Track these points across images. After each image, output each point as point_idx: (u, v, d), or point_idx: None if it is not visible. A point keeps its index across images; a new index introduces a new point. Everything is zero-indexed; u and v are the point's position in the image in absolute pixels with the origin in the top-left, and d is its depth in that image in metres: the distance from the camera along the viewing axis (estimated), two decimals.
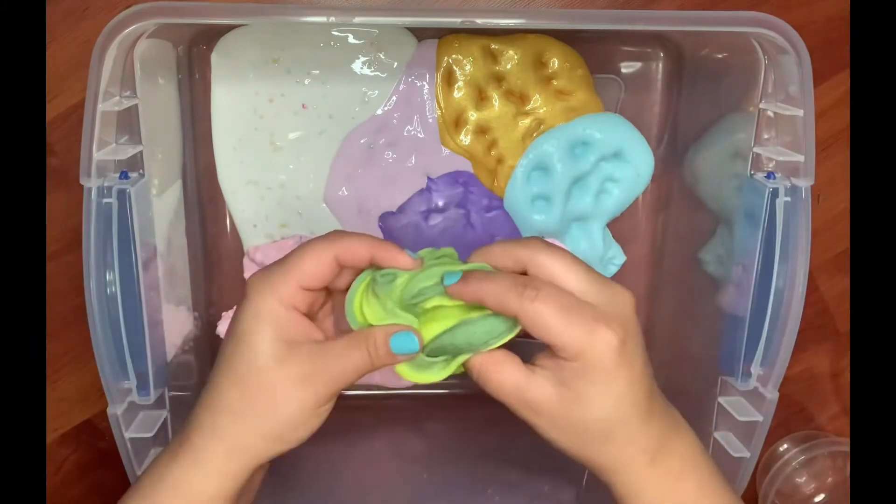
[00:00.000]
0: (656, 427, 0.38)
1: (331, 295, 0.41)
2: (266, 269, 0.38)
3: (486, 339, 0.37)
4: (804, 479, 0.62)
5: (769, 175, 0.44)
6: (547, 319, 0.35)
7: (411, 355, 0.37)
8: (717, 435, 0.49)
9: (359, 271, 0.39)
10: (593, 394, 0.36)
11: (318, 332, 0.38)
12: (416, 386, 0.57)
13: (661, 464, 0.38)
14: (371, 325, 0.38)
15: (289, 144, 0.52)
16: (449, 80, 0.51)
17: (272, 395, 0.36)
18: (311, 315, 0.39)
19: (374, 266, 0.39)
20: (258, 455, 0.37)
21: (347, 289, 0.39)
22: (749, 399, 0.47)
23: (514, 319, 0.37)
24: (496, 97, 0.51)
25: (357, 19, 0.41)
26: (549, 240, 0.50)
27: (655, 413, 0.38)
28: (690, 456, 0.39)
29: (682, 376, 0.55)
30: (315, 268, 0.37)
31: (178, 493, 0.37)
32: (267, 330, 0.36)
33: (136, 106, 0.43)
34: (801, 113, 0.42)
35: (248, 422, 0.37)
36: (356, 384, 0.57)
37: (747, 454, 0.46)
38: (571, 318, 0.35)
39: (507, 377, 0.37)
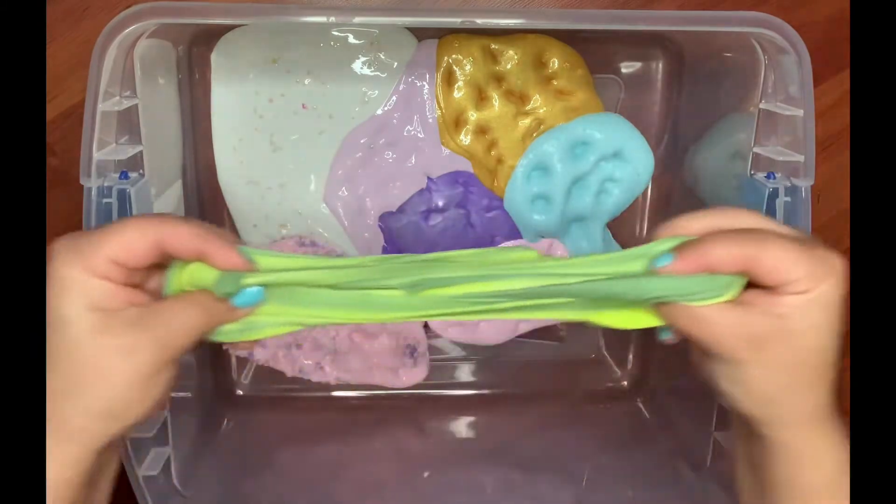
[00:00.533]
0: (836, 386, 0.37)
1: (160, 271, 0.36)
2: (74, 235, 0.34)
3: (698, 291, 0.35)
4: None
5: (769, 175, 0.44)
6: (787, 256, 0.34)
7: (255, 305, 0.35)
8: (717, 435, 0.49)
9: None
10: (823, 320, 0.35)
11: (141, 297, 0.34)
12: (417, 386, 0.57)
13: (837, 427, 0.37)
14: None
15: (289, 144, 0.52)
16: (449, 80, 0.51)
17: (95, 369, 0.32)
18: (132, 286, 0.35)
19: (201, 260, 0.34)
20: (93, 437, 0.33)
21: None
22: None
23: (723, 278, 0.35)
24: (496, 97, 0.51)
25: (357, 19, 0.41)
26: (548, 240, 0.50)
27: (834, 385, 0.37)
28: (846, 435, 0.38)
29: (682, 376, 0.55)
30: (129, 244, 0.33)
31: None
32: (76, 300, 0.32)
33: (136, 106, 0.43)
34: (801, 113, 0.42)
35: (76, 402, 0.33)
36: (356, 385, 0.57)
37: None
38: (808, 254, 0.34)
39: (726, 316, 0.35)
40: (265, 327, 0.36)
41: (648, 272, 0.35)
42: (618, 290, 0.35)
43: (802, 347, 0.35)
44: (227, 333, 0.36)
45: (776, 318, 0.35)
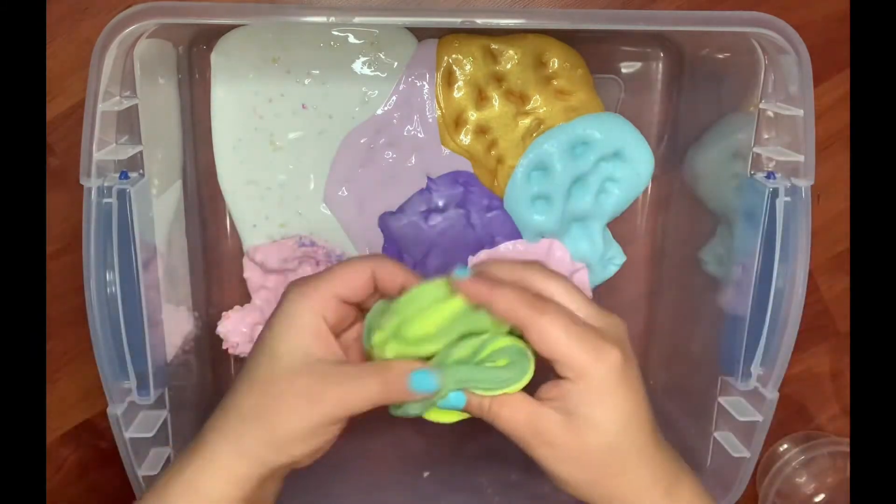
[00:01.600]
0: (666, 458, 0.38)
1: (360, 318, 0.41)
2: (305, 277, 0.39)
3: (501, 385, 0.37)
4: (804, 479, 0.62)
5: (769, 175, 0.44)
6: (555, 334, 0.35)
7: (428, 394, 0.37)
8: (717, 435, 0.49)
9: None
10: (603, 416, 0.36)
11: (341, 353, 0.38)
12: None
13: (676, 498, 0.38)
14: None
15: (289, 144, 0.52)
16: (449, 79, 0.51)
17: (280, 403, 0.36)
18: (337, 332, 0.39)
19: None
20: (263, 463, 0.37)
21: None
22: (749, 399, 0.47)
23: (523, 367, 0.37)
24: (496, 97, 0.51)
25: (357, 19, 0.41)
26: (549, 240, 0.50)
27: (662, 444, 0.38)
28: (699, 493, 0.39)
29: (682, 376, 0.56)
30: (353, 278, 0.38)
31: (186, 493, 0.36)
32: (293, 340, 0.37)
33: (136, 106, 0.43)
34: (801, 113, 0.42)
35: (255, 427, 0.37)
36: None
37: (747, 454, 0.46)
38: (579, 336, 0.35)
39: (518, 410, 0.37)
40: (437, 415, 0.39)
41: (446, 284, 0.37)
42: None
43: (589, 446, 0.36)
44: (407, 409, 0.38)
45: (562, 413, 0.36)
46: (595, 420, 0.36)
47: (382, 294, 0.40)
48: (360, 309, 0.40)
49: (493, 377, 0.37)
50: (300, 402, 0.36)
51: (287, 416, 0.36)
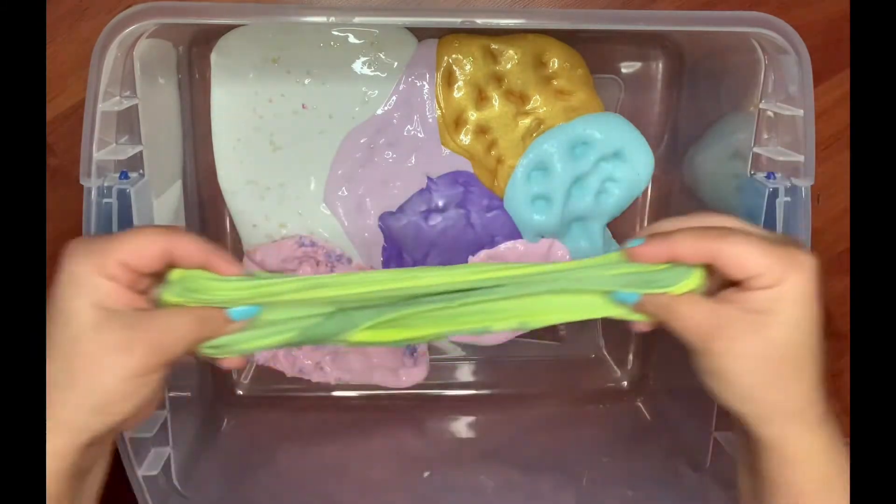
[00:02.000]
0: (823, 386, 0.37)
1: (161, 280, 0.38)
2: (88, 237, 0.36)
3: (666, 286, 0.37)
4: None
5: (769, 175, 0.44)
6: (748, 250, 0.35)
7: (249, 319, 0.36)
8: (717, 435, 0.49)
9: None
10: (795, 315, 0.35)
11: (143, 303, 0.36)
12: (417, 386, 0.57)
13: (827, 425, 0.37)
14: None
15: (289, 144, 0.52)
16: (449, 79, 0.51)
17: (91, 363, 0.34)
18: (137, 291, 0.37)
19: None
20: (83, 430, 0.35)
21: None
22: None
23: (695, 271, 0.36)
24: (496, 97, 0.51)
25: (357, 19, 0.41)
26: (549, 240, 0.50)
27: (822, 377, 0.37)
28: (840, 435, 0.38)
29: (682, 376, 0.55)
30: (140, 249, 0.35)
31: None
32: (82, 296, 0.34)
33: (136, 106, 0.43)
34: (801, 113, 0.42)
35: (70, 394, 0.34)
36: (356, 385, 0.57)
37: None
38: (772, 248, 0.35)
39: (698, 305, 0.36)
40: (251, 340, 0.38)
41: (619, 255, 0.37)
42: (588, 276, 0.37)
43: (774, 341, 0.35)
44: (216, 348, 0.38)
45: (747, 311, 0.35)
46: (786, 318, 0.35)
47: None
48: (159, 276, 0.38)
49: (651, 280, 0.37)
50: (111, 356, 0.34)
51: (100, 374, 0.34)
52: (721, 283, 0.37)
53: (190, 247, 0.36)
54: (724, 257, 0.35)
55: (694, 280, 0.37)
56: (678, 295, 0.37)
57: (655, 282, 0.37)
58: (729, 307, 0.36)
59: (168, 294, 0.36)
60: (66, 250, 0.35)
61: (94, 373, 0.34)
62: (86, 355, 0.34)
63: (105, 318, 0.34)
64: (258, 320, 0.37)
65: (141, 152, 0.43)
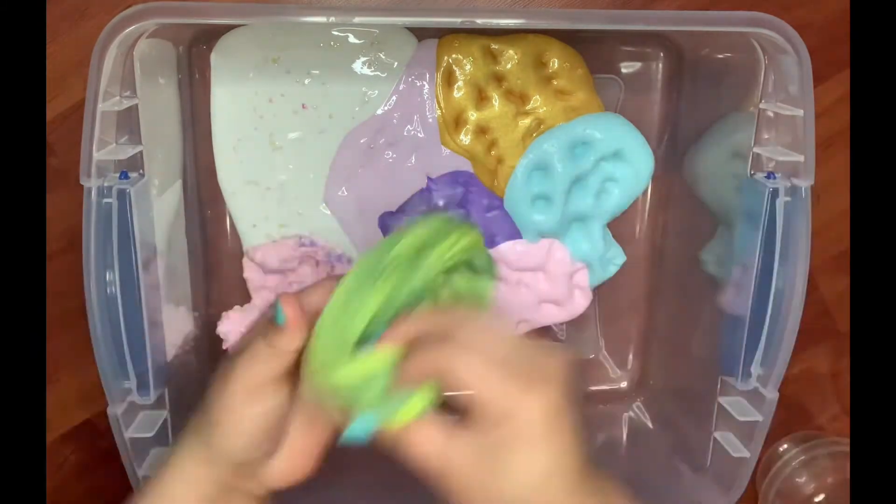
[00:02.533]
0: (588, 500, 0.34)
1: None
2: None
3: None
4: (804, 479, 0.62)
5: (769, 175, 0.44)
6: (476, 371, 0.32)
7: (293, 320, 0.37)
8: (717, 435, 0.49)
9: None
10: (522, 468, 0.32)
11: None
12: None
13: None
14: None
15: (289, 144, 0.52)
16: (449, 79, 0.51)
17: (222, 404, 0.39)
18: None
19: None
20: (223, 464, 0.39)
21: None
22: (749, 399, 0.47)
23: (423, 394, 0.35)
24: (496, 97, 0.51)
25: (357, 19, 0.41)
26: (549, 240, 0.50)
27: (586, 487, 0.34)
28: None
29: (682, 376, 0.56)
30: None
31: (155, 498, 0.39)
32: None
33: (136, 106, 0.43)
34: (801, 113, 0.42)
35: (209, 433, 0.39)
36: None
37: (747, 454, 0.46)
38: (501, 377, 0.32)
39: (430, 440, 0.34)
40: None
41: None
42: None
43: (502, 491, 0.33)
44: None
45: (480, 453, 0.33)
46: (513, 471, 0.32)
47: None
48: None
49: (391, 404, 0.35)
50: (228, 398, 0.38)
51: (222, 416, 0.38)
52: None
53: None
54: (450, 375, 0.33)
55: (421, 401, 0.35)
56: (411, 423, 0.35)
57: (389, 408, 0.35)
58: (462, 449, 0.33)
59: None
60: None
61: (222, 415, 0.38)
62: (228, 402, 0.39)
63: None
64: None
65: (141, 152, 0.43)
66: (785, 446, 0.60)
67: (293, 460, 0.40)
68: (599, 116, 0.52)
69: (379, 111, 0.52)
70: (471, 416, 0.34)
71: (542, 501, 0.33)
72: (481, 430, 0.33)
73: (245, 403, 0.38)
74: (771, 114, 0.44)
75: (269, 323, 0.38)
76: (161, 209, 0.46)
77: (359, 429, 0.36)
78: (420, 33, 0.51)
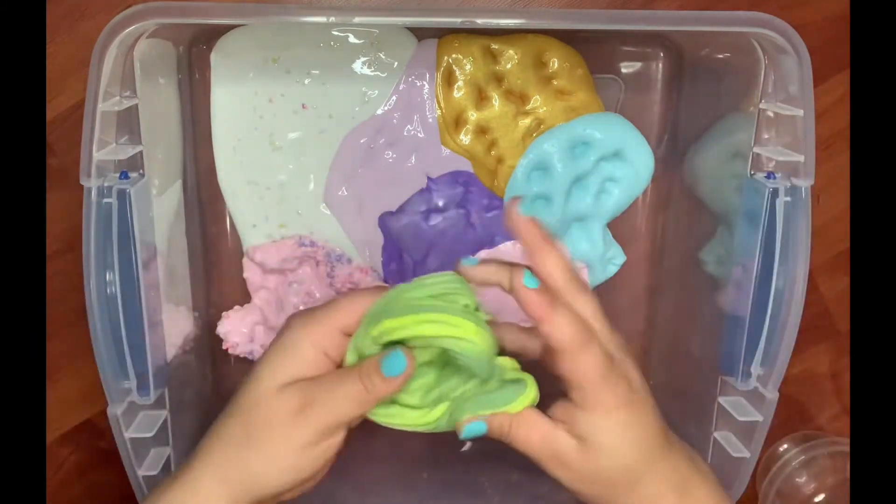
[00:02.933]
0: (676, 458, 0.38)
1: None
2: (307, 310, 0.38)
3: (503, 404, 0.38)
4: (804, 479, 0.62)
5: (769, 175, 0.44)
6: (587, 367, 0.36)
7: (403, 376, 0.36)
8: (717, 435, 0.49)
9: None
10: (614, 443, 0.36)
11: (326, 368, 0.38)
12: None
13: (690, 496, 0.38)
14: None
15: (289, 144, 0.52)
16: (449, 79, 0.51)
17: (269, 428, 0.36)
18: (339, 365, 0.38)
19: None
20: (246, 491, 0.36)
21: None
22: (749, 399, 0.47)
23: (528, 386, 0.38)
24: (496, 97, 0.51)
25: (357, 19, 0.41)
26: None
27: (674, 449, 0.39)
28: (711, 491, 0.39)
29: (682, 376, 0.55)
30: (356, 311, 0.37)
31: None
32: (290, 368, 0.36)
33: (136, 106, 0.43)
34: (801, 113, 0.42)
35: (241, 453, 0.36)
36: None
37: (747, 454, 0.46)
38: (604, 370, 0.36)
39: (533, 431, 0.37)
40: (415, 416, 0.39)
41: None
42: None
43: (602, 467, 0.37)
44: (381, 415, 0.39)
45: (577, 437, 0.37)
46: (608, 447, 0.36)
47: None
48: None
49: (491, 401, 0.38)
50: (284, 424, 0.35)
51: (270, 442, 0.35)
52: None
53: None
54: (566, 361, 0.36)
55: (529, 396, 0.38)
56: (517, 414, 0.37)
57: (492, 402, 0.38)
58: (561, 435, 0.37)
59: (347, 358, 0.38)
60: (287, 322, 0.38)
61: (269, 437, 0.35)
62: (266, 420, 0.36)
63: (291, 386, 0.36)
64: (413, 385, 0.38)
65: (141, 152, 0.43)
66: (785, 446, 0.60)
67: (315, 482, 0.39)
68: (599, 116, 0.52)
69: (379, 111, 0.52)
70: (561, 406, 0.37)
71: (640, 471, 0.37)
72: (575, 419, 0.36)
73: (314, 443, 0.36)
74: (771, 114, 0.44)
75: (374, 368, 0.36)
76: (161, 209, 0.46)
77: (475, 428, 0.38)
78: (420, 33, 0.51)
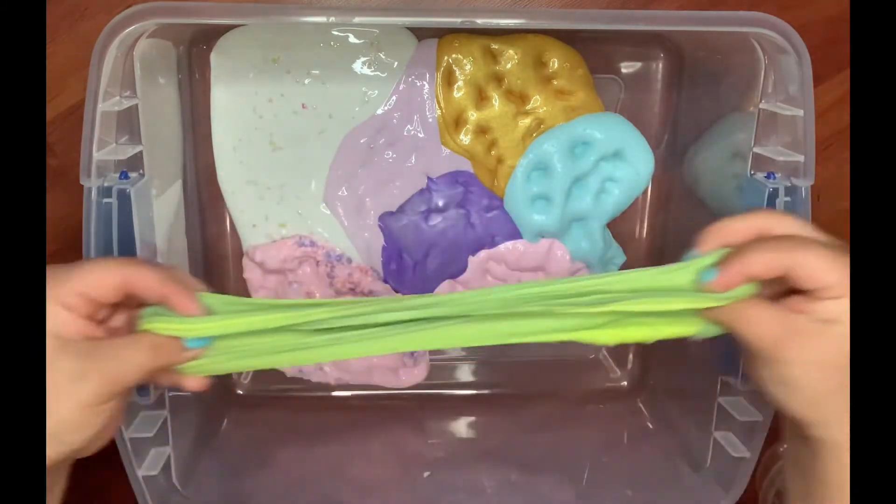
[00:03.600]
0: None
1: (124, 309, 0.39)
2: (51, 267, 0.36)
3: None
4: None
5: (769, 175, 0.44)
6: (822, 263, 0.36)
7: (203, 349, 0.37)
8: (717, 435, 0.49)
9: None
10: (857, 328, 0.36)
11: (100, 333, 0.37)
12: (417, 386, 0.57)
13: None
14: None
15: (289, 144, 0.52)
16: (449, 79, 0.51)
17: (46, 392, 0.34)
18: (95, 322, 0.37)
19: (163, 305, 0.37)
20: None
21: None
22: (749, 399, 0.47)
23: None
24: (496, 97, 0.51)
25: (357, 19, 0.41)
26: (549, 240, 0.50)
27: None
28: None
29: (682, 376, 0.55)
30: (97, 280, 0.36)
31: None
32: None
33: (136, 106, 0.43)
34: (801, 113, 0.42)
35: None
36: (356, 385, 0.57)
37: (747, 454, 0.46)
38: (841, 260, 0.36)
39: (766, 310, 0.37)
40: (213, 365, 0.38)
41: (696, 289, 0.37)
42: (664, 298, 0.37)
43: (841, 350, 0.36)
44: (189, 368, 0.38)
45: (816, 321, 0.36)
46: (848, 328, 0.36)
47: (141, 302, 0.37)
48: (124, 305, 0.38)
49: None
50: (65, 386, 0.34)
51: (53, 402, 0.34)
52: (781, 290, 0.37)
53: (148, 280, 0.36)
54: (798, 271, 0.36)
55: (751, 286, 0.37)
56: (745, 300, 0.37)
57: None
58: (798, 316, 0.36)
59: (142, 323, 0.37)
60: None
61: (49, 402, 0.34)
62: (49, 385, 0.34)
63: (60, 348, 0.34)
64: (216, 346, 0.38)
65: (141, 152, 0.43)
66: (785, 446, 0.60)
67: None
68: (599, 116, 0.52)
69: (379, 111, 0.52)
70: (797, 299, 0.37)
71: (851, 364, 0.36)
72: (815, 308, 0.36)
73: (103, 406, 0.35)
74: (771, 114, 0.44)
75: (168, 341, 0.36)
76: (161, 209, 0.46)
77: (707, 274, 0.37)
78: (420, 33, 0.51)
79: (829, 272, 0.36)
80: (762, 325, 0.37)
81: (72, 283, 0.35)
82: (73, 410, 0.34)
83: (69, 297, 0.35)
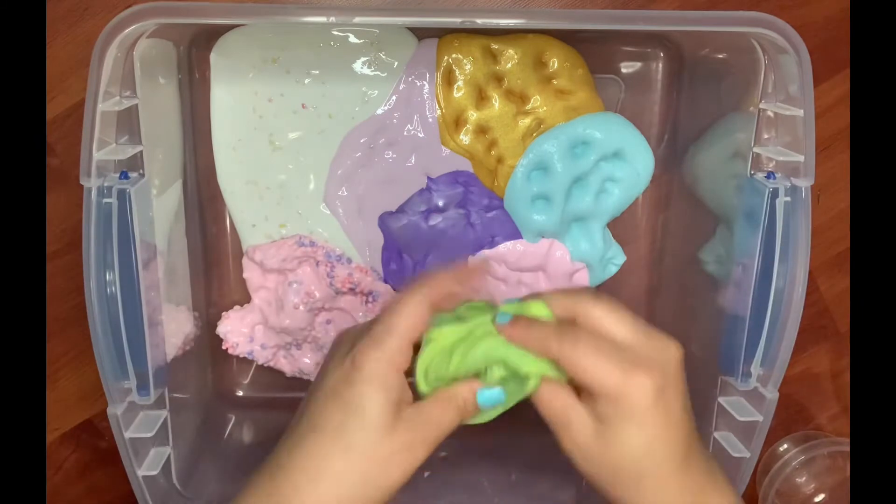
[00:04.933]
0: (692, 481, 0.38)
1: None
2: (367, 330, 0.38)
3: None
4: (804, 479, 0.62)
5: (769, 175, 0.44)
6: (584, 362, 0.36)
7: (496, 406, 0.39)
8: (717, 435, 0.49)
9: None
10: (626, 432, 0.36)
11: (409, 391, 0.39)
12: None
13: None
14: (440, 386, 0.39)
15: (289, 144, 0.52)
16: (449, 79, 0.51)
17: (386, 466, 0.37)
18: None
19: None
20: None
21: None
22: (749, 399, 0.47)
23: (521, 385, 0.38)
24: (496, 97, 0.51)
25: (357, 19, 0.41)
26: (549, 240, 0.50)
27: (692, 467, 0.38)
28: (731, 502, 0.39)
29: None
30: (418, 319, 0.37)
31: None
32: (380, 398, 0.37)
33: (136, 106, 0.43)
34: (801, 113, 0.42)
35: (352, 491, 0.37)
36: None
37: (747, 454, 0.46)
38: (608, 362, 0.36)
39: (556, 396, 0.38)
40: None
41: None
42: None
43: (612, 453, 0.37)
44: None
45: (595, 418, 0.37)
46: (621, 439, 0.36)
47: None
48: None
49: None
50: (403, 458, 0.37)
51: (381, 474, 0.37)
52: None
53: (442, 285, 0.38)
54: (564, 363, 0.36)
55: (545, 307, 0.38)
56: (545, 378, 0.38)
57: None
58: (580, 410, 0.37)
59: (421, 384, 0.38)
60: (357, 348, 0.37)
61: (386, 475, 0.37)
62: (381, 459, 0.37)
63: (394, 421, 0.37)
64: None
65: (141, 152, 0.43)
66: (785, 446, 0.60)
67: None
68: (599, 116, 0.52)
69: (379, 111, 0.52)
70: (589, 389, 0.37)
71: (648, 471, 0.37)
72: (597, 403, 0.36)
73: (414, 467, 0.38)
74: (771, 114, 0.44)
75: (472, 400, 0.38)
76: (161, 209, 0.46)
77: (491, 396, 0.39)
78: (420, 33, 0.51)
79: (598, 374, 0.36)
80: (547, 407, 0.38)
81: (397, 335, 0.37)
82: (402, 480, 0.38)
83: (401, 354, 0.37)
